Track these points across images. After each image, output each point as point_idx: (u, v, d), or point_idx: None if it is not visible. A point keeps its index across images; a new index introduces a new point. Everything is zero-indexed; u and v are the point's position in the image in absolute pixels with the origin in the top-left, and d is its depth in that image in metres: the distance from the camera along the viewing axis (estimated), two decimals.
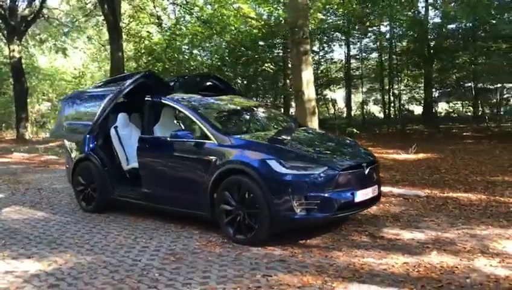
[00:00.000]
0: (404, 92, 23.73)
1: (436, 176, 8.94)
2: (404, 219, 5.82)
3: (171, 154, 5.82)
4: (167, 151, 5.88)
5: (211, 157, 5.34)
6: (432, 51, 21.47)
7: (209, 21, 19.65)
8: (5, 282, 4.30)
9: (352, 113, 24.76)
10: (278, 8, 19.83)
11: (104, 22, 21.58)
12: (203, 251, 4.91)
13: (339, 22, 22.30)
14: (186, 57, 21.42)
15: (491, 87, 21.47)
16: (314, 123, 11.50)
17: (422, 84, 23.33)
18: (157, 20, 19.92)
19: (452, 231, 5.26)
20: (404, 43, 23.51)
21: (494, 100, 21.66)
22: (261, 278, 4.13)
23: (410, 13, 21.77)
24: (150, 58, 20.72)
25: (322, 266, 4.34)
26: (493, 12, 17.33)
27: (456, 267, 4.19)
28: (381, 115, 24.58)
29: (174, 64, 20.44)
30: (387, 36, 23.39)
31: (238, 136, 5.54)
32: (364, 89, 24.46)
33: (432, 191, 7.15)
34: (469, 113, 23.00)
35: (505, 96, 21.36)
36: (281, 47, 22.08)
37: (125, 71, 18.23)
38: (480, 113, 21.60)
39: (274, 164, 4.86)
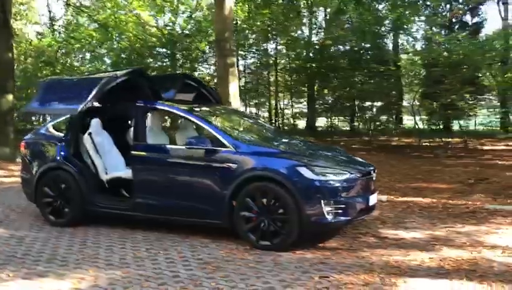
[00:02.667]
0: (289, 106, 25.29)
1: None
2: (388, 221, 6.39)
3: (178, 162, 5.67)
4: (172, 159, 5.71)
5: (230, 164, 5.33)
6: (315, 70, 23.23)
7: (106, 25, 18.96)
8: None
9: None
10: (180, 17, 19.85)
11: None
12: (235, 259, 4.90)
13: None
14: (78, 63, 20.26)
15: (364, 105, 24.07)
16: None
17: (306, 100, 25.15)
18: (49, 21, 18.53)
19: (438, 229, 5.96)
20: (290, 61, 25.16)
21: (368, 116, 24.23)
22: (320, 279, 4.30)
23: (295, 34, 23.38)
24: (36, 61, 19.15)
25: (364, 266, 4.66)
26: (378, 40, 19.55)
27: (475, 258, 4.81)
28: None
29: (65, 69, 19.16)
30: (273, 54, 24.81)
31: (254, 143, 5.64)
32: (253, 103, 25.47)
33: (388, 196, 7.90)
34: (345, 128, 25.33)
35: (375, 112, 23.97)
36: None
37: None
38: (356, 128, 23.96)
39: (304, 171, 5.07)
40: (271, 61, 24.11)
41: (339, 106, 24.00)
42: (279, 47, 24.20)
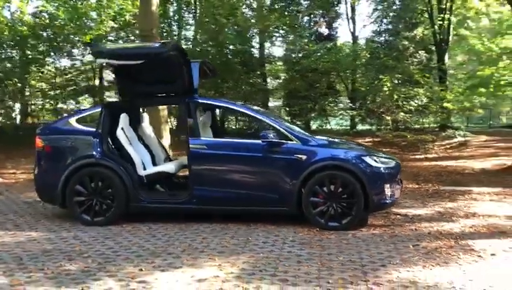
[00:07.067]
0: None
1: None
2: None
3: (244, 156, 5.98)
4: (239, 151, 5.98)
5: (299, 156, 5.87)
6: None
7: None
8: (227, 286, 4.03)
9: None
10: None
11: None
12: (323, 239, 5.49)
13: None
14: None
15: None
16: (166, 132, 11.88)
17: None
18: None
19: (433, 206, 7.29)
20: None
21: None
22: (414, 247, 5.17)
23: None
24: None
25: (426, 234, 5.66)
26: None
27: (497, 225, 6.13)
28: None
29: None
30: None
31: (317, 137, 6.26)
32: None
33: None
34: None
35: None
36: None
37: None
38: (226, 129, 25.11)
39: (369, 160, 5.90)
40: None
41: None
42: None
